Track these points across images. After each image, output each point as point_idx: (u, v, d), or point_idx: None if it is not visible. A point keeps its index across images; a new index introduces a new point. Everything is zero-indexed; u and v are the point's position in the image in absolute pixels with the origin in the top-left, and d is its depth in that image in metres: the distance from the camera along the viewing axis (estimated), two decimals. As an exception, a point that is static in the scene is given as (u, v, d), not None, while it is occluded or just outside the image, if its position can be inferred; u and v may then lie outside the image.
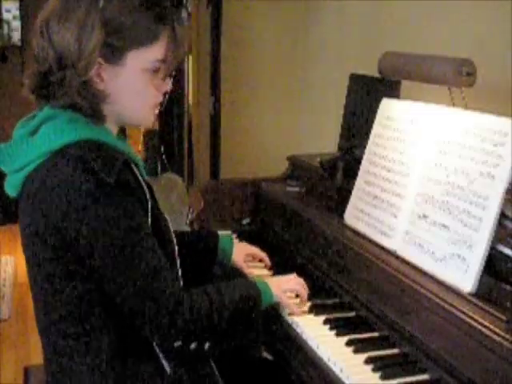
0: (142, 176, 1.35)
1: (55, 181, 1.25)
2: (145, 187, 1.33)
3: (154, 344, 1.37)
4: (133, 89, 1.34)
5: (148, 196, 1.33)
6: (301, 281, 1.59)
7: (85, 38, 1.26)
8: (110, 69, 1.31)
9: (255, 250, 1.81)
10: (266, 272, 1.79)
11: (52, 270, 1.29)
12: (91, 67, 1.28)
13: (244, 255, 1.78)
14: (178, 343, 1.35)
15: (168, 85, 1.40)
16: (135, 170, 1.33)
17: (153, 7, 1.31)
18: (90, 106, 1.31)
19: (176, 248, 1.44)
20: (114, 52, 1.29)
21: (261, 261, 1.82)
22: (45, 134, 1.30)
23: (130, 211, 1.27)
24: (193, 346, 1.37)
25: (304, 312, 1.55)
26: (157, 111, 1.42)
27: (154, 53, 1.33)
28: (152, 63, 1.33)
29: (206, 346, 1.38)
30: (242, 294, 1.41)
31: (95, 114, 1.33)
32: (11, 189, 1.36)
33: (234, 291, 1.40)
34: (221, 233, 1.80)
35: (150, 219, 1.32)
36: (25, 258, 1.37)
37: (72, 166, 1.24)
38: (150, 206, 1.33)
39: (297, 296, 1.58)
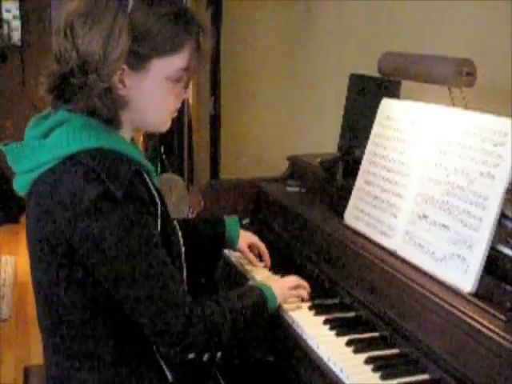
0: (153, 183, 1.33)
1: (64, 188, 1.23)
2: (156, 195, 1.31)
3: (156, 352, 1.36)
4: (154, 96, 1.33)
5: (159, 203, 1.31)
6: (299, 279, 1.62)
7: (111, 45, 1.23)
8: (134, 75, 1.29)
9: (259, 243, 1.82)
10: (266, 272, 1.79)
11: (57, 275, 1.27)
12: (115, 73, 1.26)
13: (248, 243, 1.80)
14: (191, 355, 1.34)
15: (188, 93, 1.39)
16: (147, 178, 1.31)
17: (179, 16, 1.30)
18: (109, 111, 1.28)
19: (183, 253, 1.42)
20: (138, 59, 1.27)
21: (261, 259, 1.83)
22: (57, 139, 1.26)
23: (136, 224, 1.23)
24: (206, 357, 1.38)
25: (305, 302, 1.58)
26: (174, 116, 1.41)
27: (178, 61, 1.31)
28: (175, 71, 1.32)
29: (218, 355, 1.39)
30: (251, 304, 1.42)
31: (112, 120, 1.30)
32: (20, 188, 1.34)
33: (243, 301, 1.41)
34: (227, 218, 1.81)
35: (159, 225, 1.30)
36: (29, 258, 1.35)
37: (81, 175, 1.22)
38: (159, 212, 1.31)
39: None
